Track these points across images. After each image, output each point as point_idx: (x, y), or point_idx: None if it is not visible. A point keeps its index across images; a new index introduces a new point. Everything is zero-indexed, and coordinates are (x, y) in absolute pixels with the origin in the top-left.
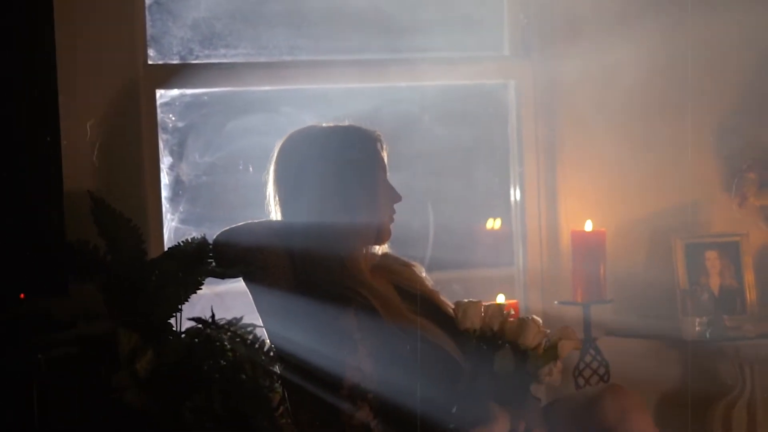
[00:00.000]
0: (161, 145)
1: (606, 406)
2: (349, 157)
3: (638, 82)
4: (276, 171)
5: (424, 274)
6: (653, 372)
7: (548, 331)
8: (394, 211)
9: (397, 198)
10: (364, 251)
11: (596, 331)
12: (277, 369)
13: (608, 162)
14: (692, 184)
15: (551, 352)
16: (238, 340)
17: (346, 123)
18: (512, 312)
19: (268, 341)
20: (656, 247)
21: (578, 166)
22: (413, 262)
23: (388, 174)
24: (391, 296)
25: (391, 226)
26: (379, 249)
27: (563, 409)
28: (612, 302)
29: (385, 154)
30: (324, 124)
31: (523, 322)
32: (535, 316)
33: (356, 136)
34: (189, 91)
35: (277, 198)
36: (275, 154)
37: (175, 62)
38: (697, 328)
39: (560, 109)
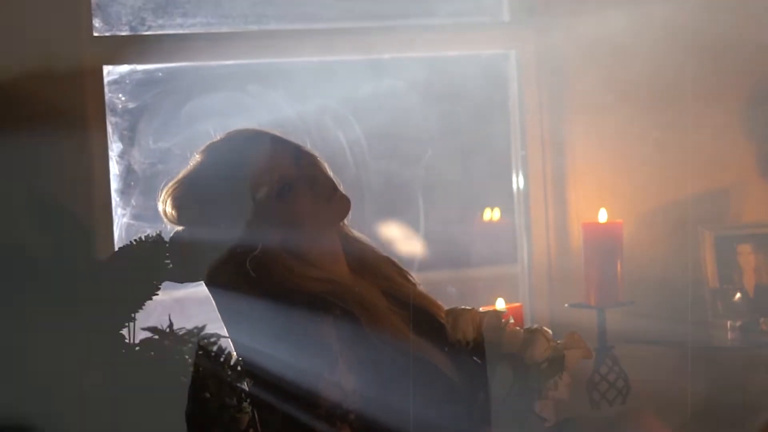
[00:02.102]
0: (110, 129)
1: None
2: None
3: (656, 51)
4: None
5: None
6: (679, 384)
7: (558, 343)
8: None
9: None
10: (336, 238)
11: (613, 339)
12: (245, 386)
13: (624, 143)
14: (722, 167)
15: (557, 363)
16: (200, 352)
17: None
18: (512, 320)
19: (234, 353)
20: (681, 240)
21: (589, 148)
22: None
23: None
24: (376, 301)
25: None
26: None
27: None
28: (630, 305)
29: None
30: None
31: (530, 335)
32: (544, 327)
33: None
34: (141, 67)
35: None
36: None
37: (124, 34)
38: (729, 334)
39: (568, 82)
